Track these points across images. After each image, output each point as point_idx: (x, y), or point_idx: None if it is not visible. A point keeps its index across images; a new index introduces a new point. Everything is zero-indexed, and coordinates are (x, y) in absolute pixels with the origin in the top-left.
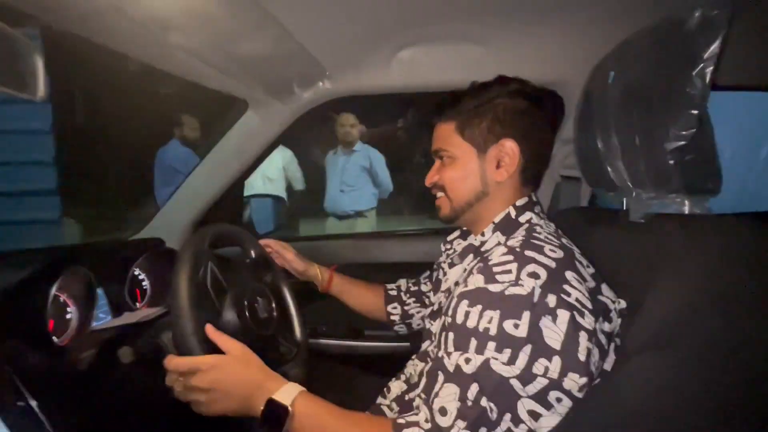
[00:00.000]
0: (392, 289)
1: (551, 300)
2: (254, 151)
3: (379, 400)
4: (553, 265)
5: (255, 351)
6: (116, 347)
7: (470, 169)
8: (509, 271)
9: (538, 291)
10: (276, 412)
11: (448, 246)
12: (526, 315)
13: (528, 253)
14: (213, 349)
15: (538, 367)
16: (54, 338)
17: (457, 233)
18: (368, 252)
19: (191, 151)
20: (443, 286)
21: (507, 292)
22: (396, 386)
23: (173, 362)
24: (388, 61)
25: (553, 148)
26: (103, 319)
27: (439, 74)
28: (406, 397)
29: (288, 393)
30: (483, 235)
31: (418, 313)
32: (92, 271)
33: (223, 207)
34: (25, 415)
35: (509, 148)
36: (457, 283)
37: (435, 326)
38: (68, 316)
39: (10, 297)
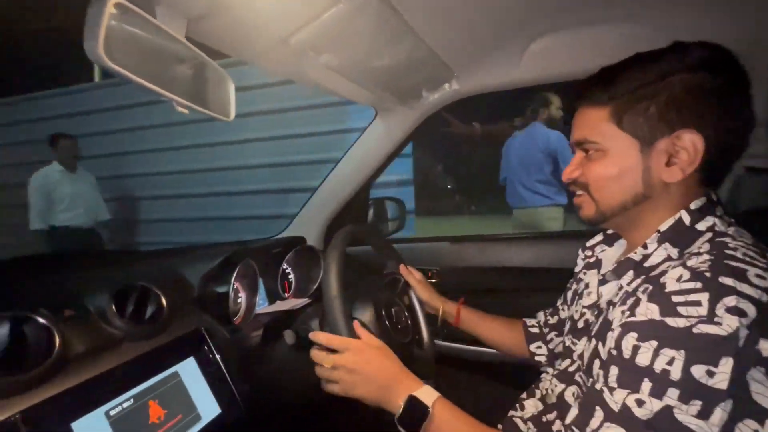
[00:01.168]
0: (533, 326)
1: (765, 347)
2: (382, 155)
3: (511, 412)
4: (764, 298)
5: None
6: (274, 330)
7: (627, 166)
8: (697, 303)
9: (744, 333)
10: (416, 410)
11: (588, 253)
12: (727, 362)
13: (724, 280)
14: None
15: (744, 429)
16: (232, 318)
17: (598, 238)
18: (483, 255)
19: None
20: (586, 301)
21: (696, 330)
22: (531, 404)
23: (325, 336)
24: (519, 55)
25: (747, 136)
26: (262, 305)
27: (576, 63)
28: (544, 419)
29: (428, 395)
30: (645, 247)
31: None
32: (256, 264)
33: (352, 208)
34: (209, 363)
35: (689, 141)
36: (611, 303)
37: (579, 347)
38: (239, 301)
39: (207, 280)
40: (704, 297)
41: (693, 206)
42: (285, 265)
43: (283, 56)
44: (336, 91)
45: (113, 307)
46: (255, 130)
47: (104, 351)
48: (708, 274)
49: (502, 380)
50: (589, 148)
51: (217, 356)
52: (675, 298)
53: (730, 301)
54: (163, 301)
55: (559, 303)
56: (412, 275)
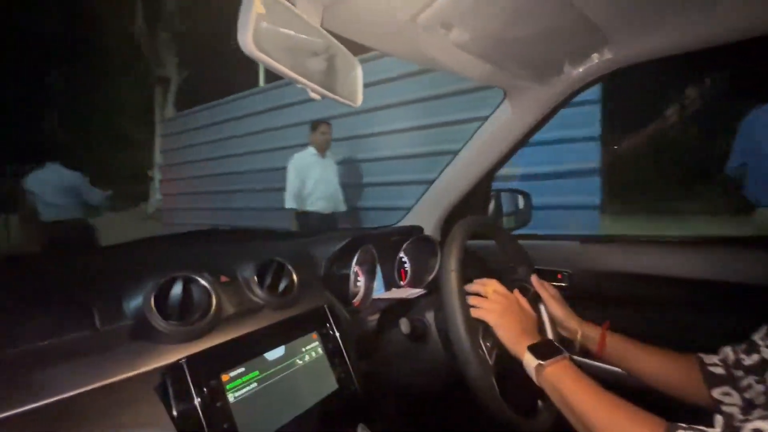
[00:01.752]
0: (715, 365)
1: None
2: (509, 142)
3: None
4: None
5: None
6: (390, 317)
7: None
8: None
9: None
10: (550, 348)
11: None
12: None
13: None
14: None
15: None
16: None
17: None
18: (626, 259)
19: None
20: None
21: None
22: None
23: (492, 284)
24: (704, 5)
25: None
26: (378, 290)
27: None
28: None
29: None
30: None
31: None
32: (375, 250)
33: (472, 199)
34: (330, 339)
35: None
36: None
37: None
38: (359, 284)
39: (331, 262)
40: None
41: None
42: (402, 254)
43: (411, 37)
44: (464, 72)
45: (255, 278)
46: (380, 123)
47: (247, 315)
48: None
49: (657, 412)
50: None
51: (337, 334)
52: None
53: None
54: (294, 277)
55: (757, 337)
56: (545, 288)
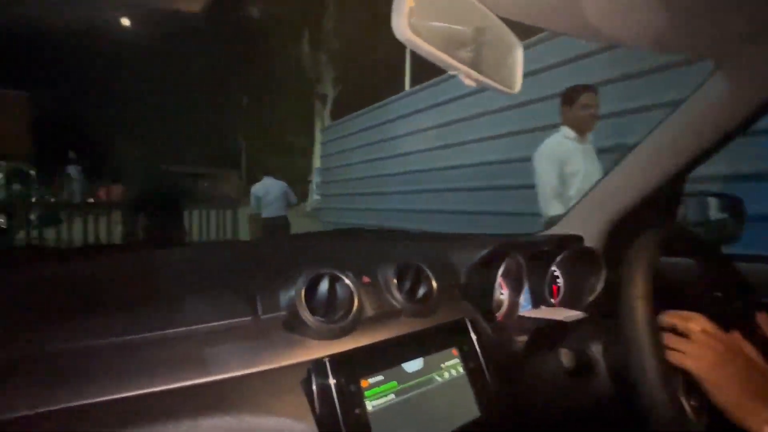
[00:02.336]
0: None
1: None
2: (719, 129)
3: None
4: None
5: None
6: (542, 341)
7: None
8: None
9: None
10: None
11: None
12: None
13: None
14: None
15: None
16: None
17: None
18: None
19: None
20: None
21: None
22: None
23: (699, 320)
24: None
25: None
26: (525, 307)
27: None
28: None
29: None
30: None
31: None
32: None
33: (652, 205)
34: (471, 358)
35: None
36: None
37: None
38: (501, 297)
39: (473, 270)
40: None
41: None
42: (554, 268)
43: (587, 7)
44: (656, 42)
45: (395, 281)
46: (518, 121)
47: (386, 320)
48: None
49: None
50: None
51: (479, 352)
52: None
53: None
54: (434, 284)
55: None
56: None
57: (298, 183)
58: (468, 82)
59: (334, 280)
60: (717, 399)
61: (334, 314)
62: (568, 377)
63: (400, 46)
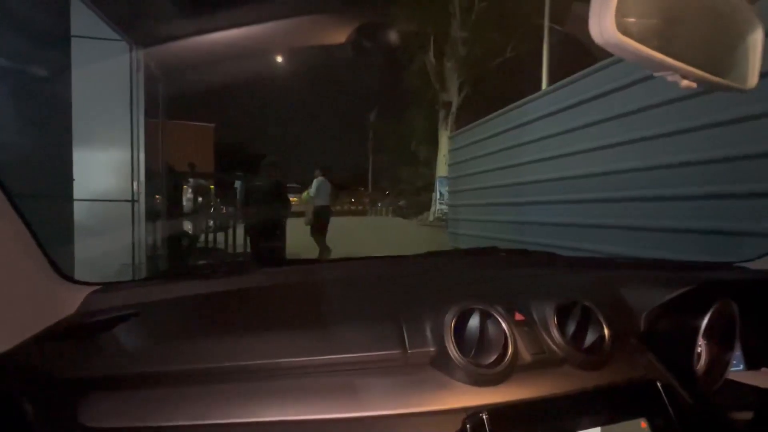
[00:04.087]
0: None
1: None
2: None
3: None
4: None
5: None
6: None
7: None
8: None
9: None
10: None
11: None
12: None
13: None
14: None
15: None
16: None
17: None
18: None
19: None
20: None
21: None
22: None
23: None
24: None
25: None
26: (736, 366)
27: None
28: None
29: None
30: None
31: None
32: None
33: None
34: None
35: None
36: None
37: None
38: (699, 350)
39: (659, 314)
40: None
41: None
42: None
43: None
44: None
45: (555, 321)
46: (689, 116)
47: (547, 369)
48: None
49: None
50: None
51: (678, 428)
52: None
53: None
54: (606, 330)
55: None
56: None
57: (425, 192)
58: (685, 84)
59: (485, 317)
60: None
61: (485, 356)
62: None
63: (529, 48)
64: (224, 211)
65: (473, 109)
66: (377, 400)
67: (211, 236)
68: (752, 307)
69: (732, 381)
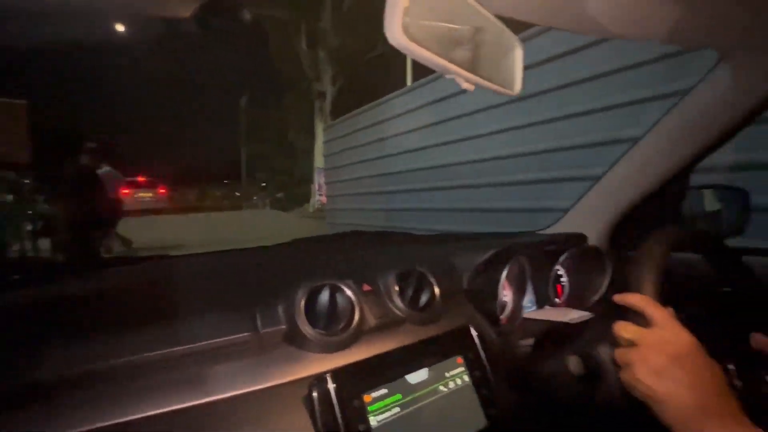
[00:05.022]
0: None
1: None
2: (723, 121)
3: None
4: None
5: None
6: (548, 344)
7: None
8: None
9: None
10: None
11: None
12: None
13: None
14: None
15: None
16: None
17: None
18: None
19: None
20: None
21: None
22: None
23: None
24: None
25: None
26: (529, 308)
27: None
28: None
29: None
30: None
31: None
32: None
33: (657, 200)
34: (477, 366)
35: None
36: None
37: None
38: (504, 299)
39: (476, 273)
40: None
41: None
42: (558, 267)
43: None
44: (658, 33)
45: (397, 288)
46: (525, 115)
47: (389, 330)
48: None
49: None
50: None
51: (485, 360)
52: None
53: None
54: (436, 289)
55: None
56: None
57: (304, 183)
58: (465, 85)
59: (334, 291)
60: (665, 416)
61: (335, 326)
62: (576, 383)
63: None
64: (47, 209)
65: (350, 101)
66: (230, 382)
67: (39, 242)
68: (541, 261)
69: (526, 318)
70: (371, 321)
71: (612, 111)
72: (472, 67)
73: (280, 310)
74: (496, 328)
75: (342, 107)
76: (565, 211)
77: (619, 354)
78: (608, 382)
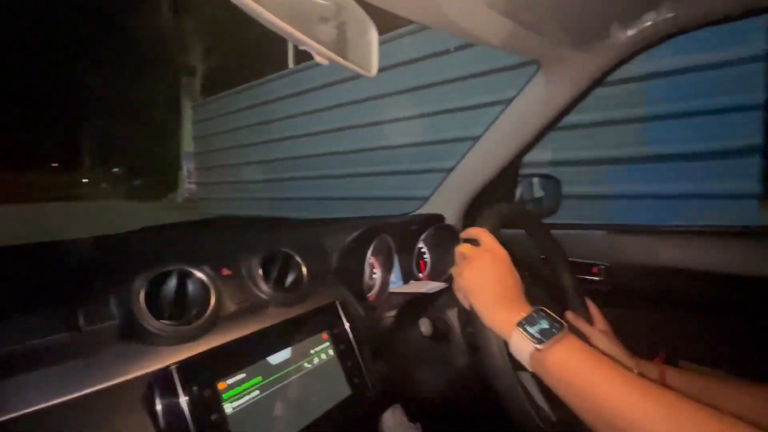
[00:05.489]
0: None
1: None
2: (542, 121)
3: None
4: None
5: None
6: (409, 313)
7: None
8: None
9: None
10: (539, 327)
11: None
12: None
13: None
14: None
15: None
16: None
17: None
18: (647, 251)
19: None
20: None
21: None
22: None
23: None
24: None
25: None
26: (396, 283)
27: None
28: None
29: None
30: None
31: None
32: (392, 240)
33: (497, 187)
34: (342, 339)
35: None
36: None
37: None
38: (374, 277)
39: (344, 253)
40: None
41: None
42: (421, 244)
43: None
44: (491, 38)
45: (260, 271)
46: (393, 109)
47: (251, 313)
48: None
49: None
50: None
51: (350, 333)
52: None
53: None
54: (304, 270)
55: None
56: (595, 321)
57: (166, 171)
58: (320, 59)
59: (184, 277)
60: (476, 307)
61: (187, 315)
62: (428, 343)
63: None
64: None
65: (227, 82)
66: (46, 390)
67: None
68: (406, 241)
69: (392, 293)
70: (230, 306)
71: (464, 112)
72: (328, 43)
73: (113, 303)
74: (364, 304)
75: (218, 88)
76: (427, 198)
77: (455, 269)
78: (456, 340)
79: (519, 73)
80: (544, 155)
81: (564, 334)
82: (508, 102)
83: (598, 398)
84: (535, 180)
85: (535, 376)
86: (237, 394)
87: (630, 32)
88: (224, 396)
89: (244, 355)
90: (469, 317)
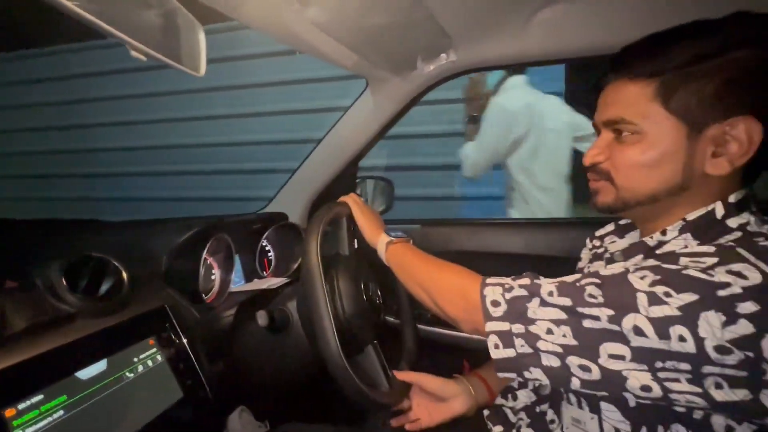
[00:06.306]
0: None
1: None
2: (372, 131)
3: (501, 400)
4: None
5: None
6: (249, 310)
7: (669, 153)
8: (702, 255)
9: (736, 290)
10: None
11: (597, 243)
12: (690, 297)
13: (743, 252)
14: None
15: None
16: (203, 295)
17: (609, 228)
18: (487, 240)
19: None
20: None
21: (684, 272)
22: (524, 394)
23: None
24: (524, 25)
25: None
26: (237, 283)
27: (587, 38)
28: (537, 409)
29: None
30: (664, 233)
31: None
32: (232, 240)
33: (338, 187)
34: (172, 344)
35: (744, 129)
36: None
37: None
38: (213, 278)
39: (175, 254)
40: (712, 260)
41: (732, 199)
42: (264, 242)
43: (267, 7)
44: (323, 54)
45: (63, 281)
46: (236, 105)
47: (50, 328)
48: (726, 246)
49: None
50: (623, 129)
51: (183, 337)
52: (682, 260)
53: (737, 267)
54: (124, 275)
55: None
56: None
57: None
58: (136, 54)
59: None
60: (362, 226)
61: None
62: (268, 337)
63: None
64: None
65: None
66: None
67: None
68: (248, 240)
69: (232, 292)
70: (19, 323)
71: (309, 114)
72: (146, 39)
73: None
74: (200, 305)
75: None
76: (271, 198)
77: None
78: (295, 329)
79: (360, 83)
80: (380, 160)
81: (406, 240)
82: (346, 110)
83: (417, 272)
84: (371, 181)
85: (368, 357)
86: (32, 419)
87: (431, 67)
88: (14, 423)
89: (41, 374)
90: (308, 307)
